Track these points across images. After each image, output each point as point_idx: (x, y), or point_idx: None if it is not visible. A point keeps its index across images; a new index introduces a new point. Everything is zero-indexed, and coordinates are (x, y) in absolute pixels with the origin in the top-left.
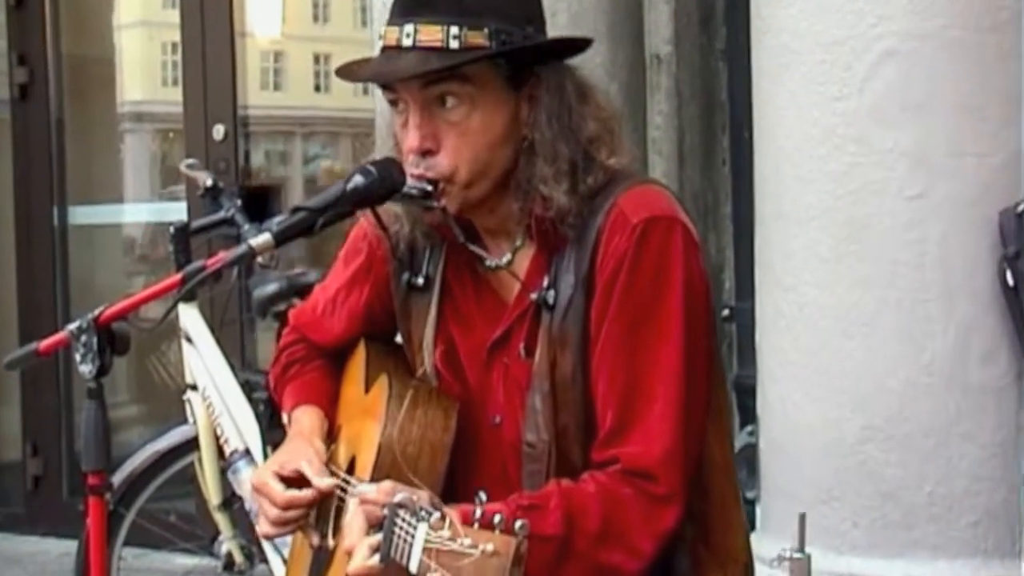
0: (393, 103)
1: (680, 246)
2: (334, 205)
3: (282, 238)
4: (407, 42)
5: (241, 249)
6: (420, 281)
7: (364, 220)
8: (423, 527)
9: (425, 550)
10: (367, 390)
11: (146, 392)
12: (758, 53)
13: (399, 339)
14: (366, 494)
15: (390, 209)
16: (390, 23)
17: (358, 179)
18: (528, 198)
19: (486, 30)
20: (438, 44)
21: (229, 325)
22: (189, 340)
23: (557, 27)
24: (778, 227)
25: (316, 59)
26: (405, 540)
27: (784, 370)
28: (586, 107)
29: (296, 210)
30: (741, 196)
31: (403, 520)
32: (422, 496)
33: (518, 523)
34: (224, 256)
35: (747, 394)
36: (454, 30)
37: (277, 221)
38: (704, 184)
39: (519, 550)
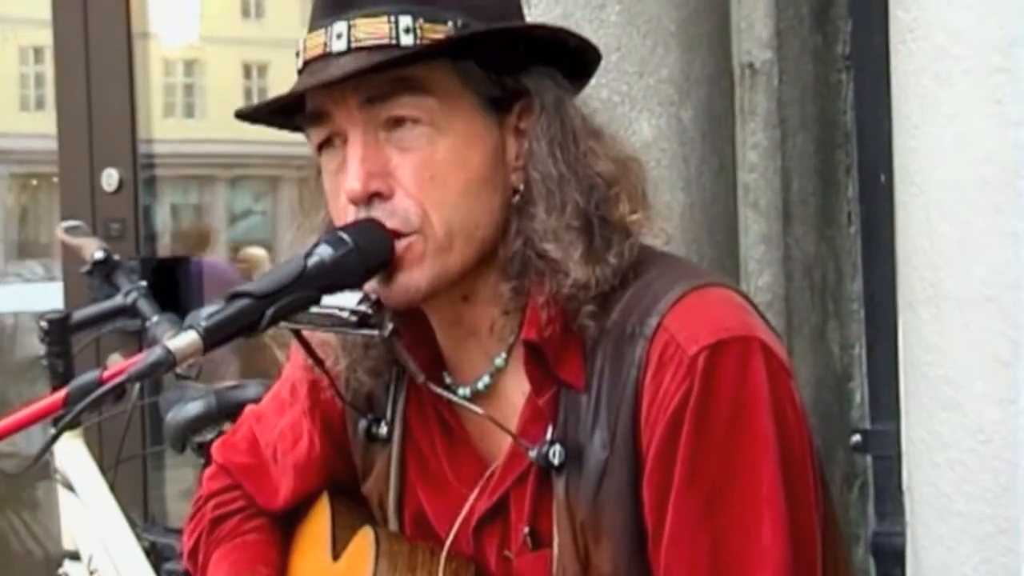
0: (325, 144)
1: (762, 377)
2: (289, 289)
3: (215, 338)
4: (338, 45)
5: (156, 355)
6: (383, 430)
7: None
8: None
9: None
10: (337, 555)
11: (1, 562)
12: (899, 59)
13: None
14: None
15: (319, 336)
16: (312, 27)
17: (325, 251)
18: (526, 270)
19: (450, 24)
20: (384, 40)
21: (128, 463)
22: (69, 487)
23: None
24: (933, 314)
25: (246, 71)
26: None
27: (948, 525)
28: (596, 141)
29: (235, 297)
30: (876, 269)
31: None
32: None
33: None
34: (130, 365)
35: (891, 559)
36: (405, 21)
37: (207, 313)
38: (821, 252)
39: None
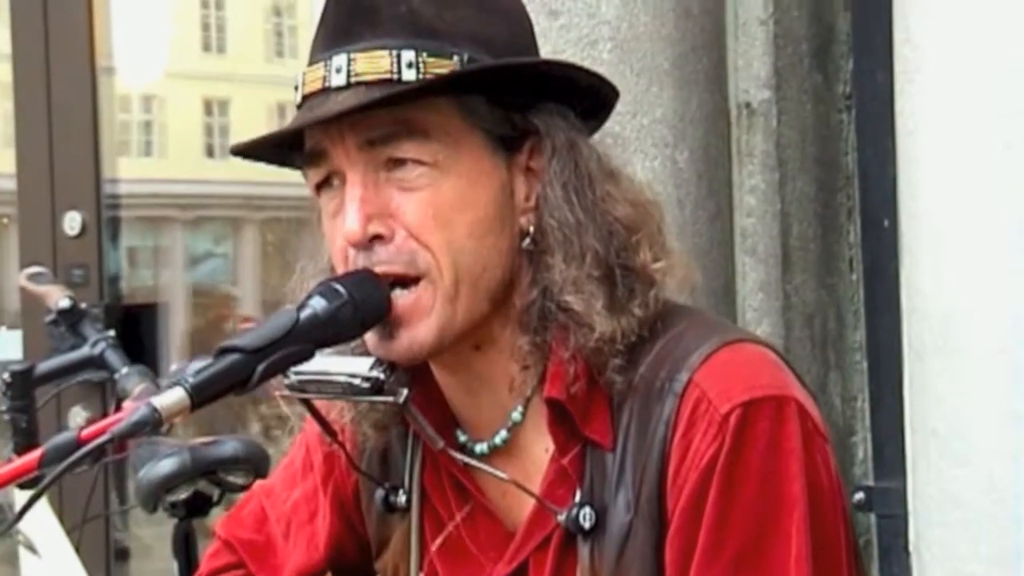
0: (323, 184)
1: (797, 439)
2: (281, 344)
3: (203, 396)
4: (338, 80)
5: (141, 413)
6: (402, 499)
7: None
8: None
9: None
10: None
11: None
12: (905, 99)
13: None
14: None
15: (327, 401)
16: (311, 60)
17: (318, 303)
18: (546, 323)
19: (456, 59)
20: (385, 75)
21: (94, 522)
22: (31, 549)
23: (598, 62)
24: (942, 366)
25: (207, 107)
26: None
27: None
28: (613, 184)
29: (224, 352)
30: (879, 318)
31: None
32: None
33: None
34: (111, 423)
35: None
36: (408, 55)
37: (194, 369)
38: (821, 300)
39: None
